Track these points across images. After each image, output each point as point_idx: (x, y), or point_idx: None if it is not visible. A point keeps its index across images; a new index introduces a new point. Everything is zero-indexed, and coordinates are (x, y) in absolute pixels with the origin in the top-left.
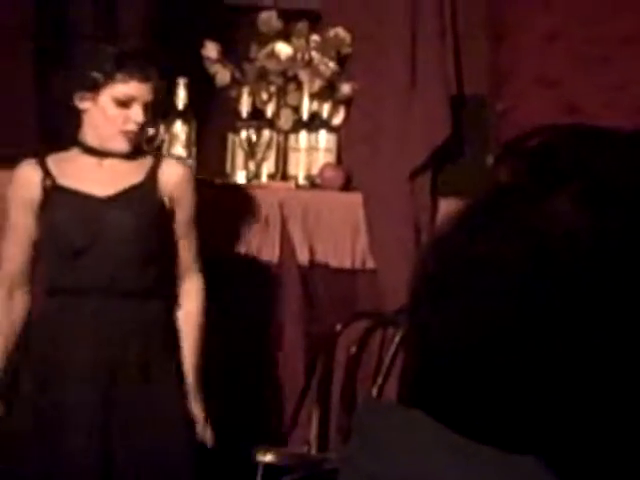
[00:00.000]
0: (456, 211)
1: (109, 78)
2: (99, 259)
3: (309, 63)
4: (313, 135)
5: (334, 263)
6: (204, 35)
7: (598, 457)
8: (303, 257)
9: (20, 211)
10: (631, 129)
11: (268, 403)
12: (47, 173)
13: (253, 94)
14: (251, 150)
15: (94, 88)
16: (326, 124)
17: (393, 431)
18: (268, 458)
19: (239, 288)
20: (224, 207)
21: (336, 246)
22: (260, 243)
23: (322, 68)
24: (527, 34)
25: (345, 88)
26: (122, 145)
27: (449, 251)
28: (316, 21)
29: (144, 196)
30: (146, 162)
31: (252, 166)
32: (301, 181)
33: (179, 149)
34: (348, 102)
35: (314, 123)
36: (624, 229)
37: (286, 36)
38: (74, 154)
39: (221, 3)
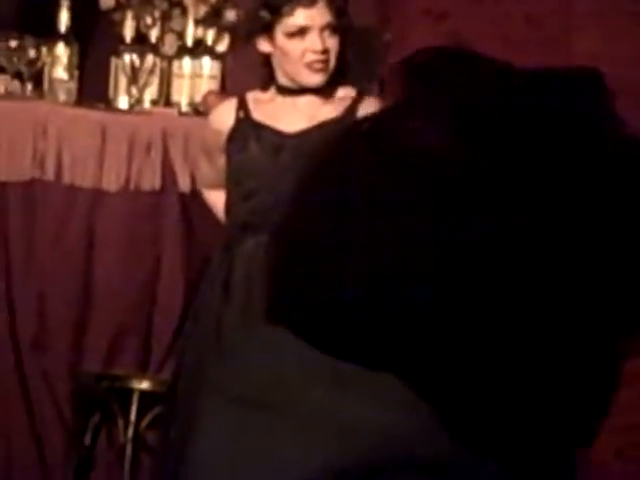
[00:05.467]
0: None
1: (276, 14)
2: (270, 198)
3: None
4: (197, 61)
5: None
6: None
7: (455, 379)
8: (184, 185)
9: (212, 136)
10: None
11: (145, 329)
12: (244, 107)
13: (137, 18)
14: (134, 75)
15: (267, 29)
16: (210, 51)
17: (257, 352)
18: (144, 385)
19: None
20: (106, 132)
21: None
22: (141, 170)
23: None
24: None
25: (230, 15)
26: (310, 79)
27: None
28: None
29: (338, 132)
30: (346, 98)
31: (135, 91)
32: (184, 108)
33: (61, 72)
34: (233, 29)
35: (198, 49)
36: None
37: None
38: (271, 94)
39: None
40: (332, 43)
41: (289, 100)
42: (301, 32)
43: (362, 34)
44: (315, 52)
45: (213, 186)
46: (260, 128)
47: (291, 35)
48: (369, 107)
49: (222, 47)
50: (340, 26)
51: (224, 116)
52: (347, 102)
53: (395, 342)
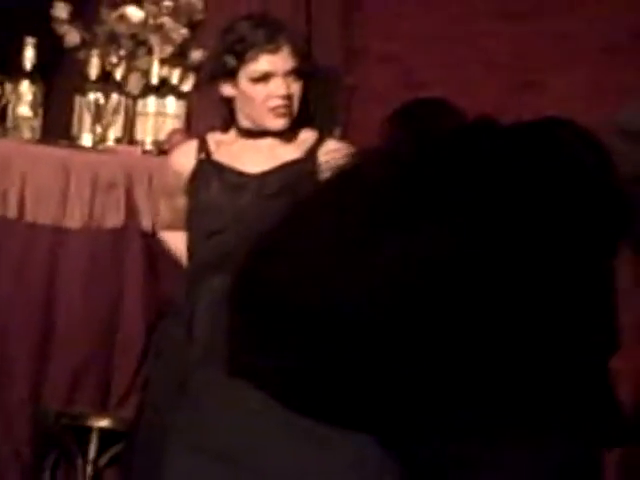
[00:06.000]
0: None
1: (240, 60)
2: (233, 238)
3: (160, 28)
4: (162, 100)
5: None
6: None
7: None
8: (147, 223)
9: (172, 178)
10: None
11: (106, 366)
12: (205, 148)
13: (102, 57)
14: (98, 113)
15: (230, 74)
16: (175, 90)
17: (221, 404)
18: (103, 423)
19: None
20: (70, 170)
21: None
22: (104, 208)
23: (173, 34)
24: (376, 12)
25: (195, 55)
26: (274, 123)
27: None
28: None
29: (299, 173)
30: (308, 140)
31: (99, 129)
32: (148, 146)
33: (25, 109)
34: (198, 69)
35: (163, 88)
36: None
37: (138, 0)
38: (232, 136)
39: None
40: (295, 88)
41: (250, 142)
42: (265, 77)
43: (325, 78)
44: (279, 97)
45: (171, 227)
46: (222, 169)
47: (255, 80)
48: (330, 149)
49: (187, 86)
50: (304, 71)
51: (184, 158)
52: (308, 144)
53: (358, 401)
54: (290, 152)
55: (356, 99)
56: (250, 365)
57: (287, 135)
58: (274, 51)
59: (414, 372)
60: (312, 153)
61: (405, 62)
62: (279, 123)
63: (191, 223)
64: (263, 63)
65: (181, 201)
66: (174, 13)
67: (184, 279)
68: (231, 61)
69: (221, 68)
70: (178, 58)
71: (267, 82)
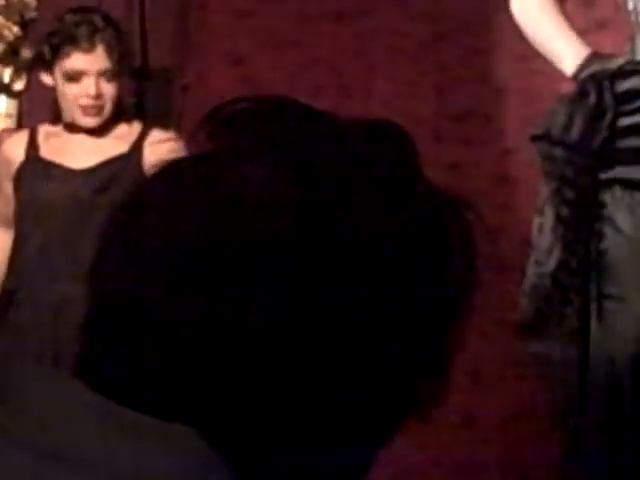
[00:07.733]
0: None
1: (54, 52)
2: (57, 235)
3: None
4: None
5: None
6: None
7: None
8: None
9: (1, 166)
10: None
11: None
12: (33, 142)
13: None
14: None
15: (47, 65)
16: (7, 89)
17: (47, 400)
18: None
19: None
20: None
21: None
22: None
23: (5, 32)
24: (217, 11)
25: (28, 53)
26: (85, 121)
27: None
28: None
29: (125, 168)
30: (134, 133)
31: None
32: None
33: None
34: (30, 68)
35: None
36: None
37: None
38: (60, 129)
39: None
40: (108, 89)
41: (76, 136)
42: (77, 75)
43: (160, 77)
44: (88, 97)
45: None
46: (49, 165)
47: (67, 76)
48: (155, 141)
49: (19, 85)
50: (119, 72)
51: (15, 148)
52: (133, 137)
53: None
54: (115, 146)
55: (193, 100)
56: (95, 366)
57: (110, 129)
58: (88, 50)
59: (232, 376)
60: (138, 146)
61: (246, 63)
62: (89, 121)
63: (18, 219)
64: (76, 60)
65: (9, 189)
66: (5, 11)
67: (5, 276)
68: (47, 52)
69: (39, 57)
70: (10, 56)
71: (79, 80)
